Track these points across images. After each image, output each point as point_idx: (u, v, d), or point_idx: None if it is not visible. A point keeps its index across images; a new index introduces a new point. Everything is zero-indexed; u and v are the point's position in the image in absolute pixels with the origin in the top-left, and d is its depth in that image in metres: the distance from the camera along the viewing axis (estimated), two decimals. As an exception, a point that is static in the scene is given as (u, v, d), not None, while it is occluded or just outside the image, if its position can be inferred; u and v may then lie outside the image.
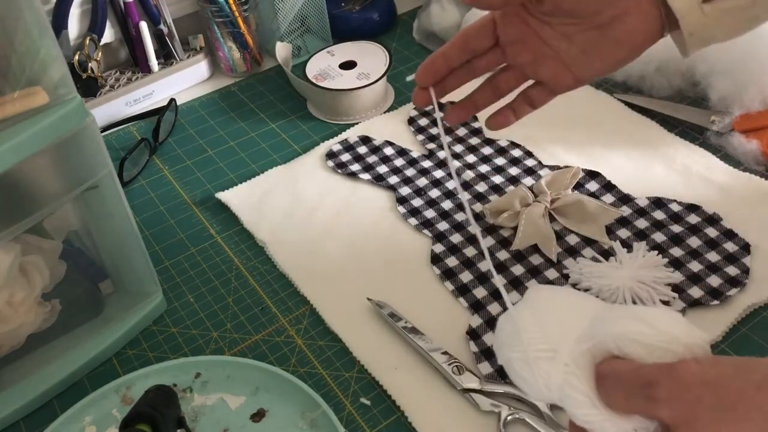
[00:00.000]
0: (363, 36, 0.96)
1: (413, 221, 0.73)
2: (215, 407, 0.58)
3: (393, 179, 0.77)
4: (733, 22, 0.48)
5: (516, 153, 0.79)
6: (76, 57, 0.87)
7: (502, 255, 0.68)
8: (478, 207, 0.73)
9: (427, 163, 0.79)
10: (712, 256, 0.65)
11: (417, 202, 0.75)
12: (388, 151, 0.81)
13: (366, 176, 0.78)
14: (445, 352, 0.59)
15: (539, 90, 0.56)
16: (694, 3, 0.46)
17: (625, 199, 0.72)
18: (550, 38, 0.52)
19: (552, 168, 0.76)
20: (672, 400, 0.33)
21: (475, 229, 0.53)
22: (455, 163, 0.78)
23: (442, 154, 0.80)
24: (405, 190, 0.76)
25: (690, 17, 0.47)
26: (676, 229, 0.68)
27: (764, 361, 0.33)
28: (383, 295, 0.65)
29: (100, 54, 0.90)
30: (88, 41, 0.88)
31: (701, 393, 0.32)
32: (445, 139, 0.56)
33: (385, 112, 0.88)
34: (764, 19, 0.49)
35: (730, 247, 0.66)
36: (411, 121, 0.85)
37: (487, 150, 0.80)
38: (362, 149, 0.81)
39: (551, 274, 0.65)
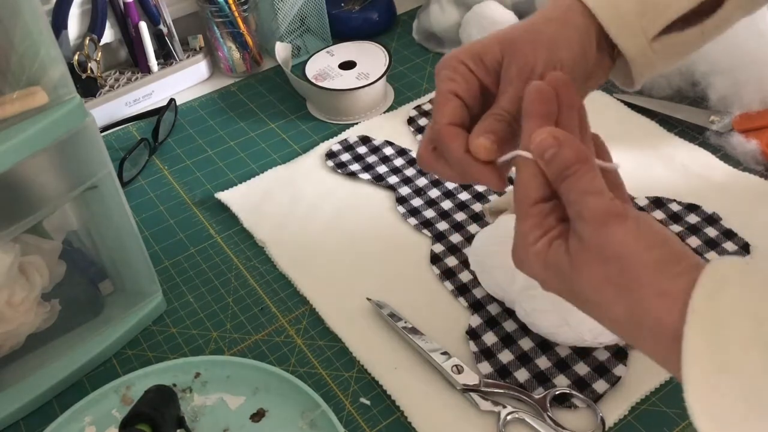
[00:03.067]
0: (363, 36, 0.96)
1: (413, 221, 0.73)
2: (215, 407, 0.58)
3: (393, 179, 0.77)
4: (676, 54, 0.49)
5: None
6: (76, 57, 0.87)
7: (502, 255, 0.68)
8: (477, 207, 0.73)
9: (426, 163, 0.79)
10: (712, 256, 0.65)
11: (417, 201, 0.75)
12: (388, 151, 0.81)
13: (366, 176, 0.78)
14: (445, 352, 0.59)
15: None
16: (644, 44, 0.47)
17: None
18: None
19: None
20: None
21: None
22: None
23: (441, 154, 0.80)
24: (405, 190, 0.76)
25: (639, 59, 0.47)
26: (676, 228, 0.68)
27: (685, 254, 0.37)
28: (383, 295, 0.65)
29: (99, 54, 0.90)
30: (87, 41, 0.88)
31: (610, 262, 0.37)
32: None
33: (384, 112, 0.88)
34: (701, 46, 0.50)
35: (729, 246, 0.66)
36: (411, 121, 0.85)
37: (486, 150, 0.80)
38: (362, 149, 0.81)
39: (551, 273, 0.65)
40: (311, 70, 0.89)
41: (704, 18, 0.47)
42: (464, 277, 0.66)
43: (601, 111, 0.84)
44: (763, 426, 0.33)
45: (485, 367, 0.59)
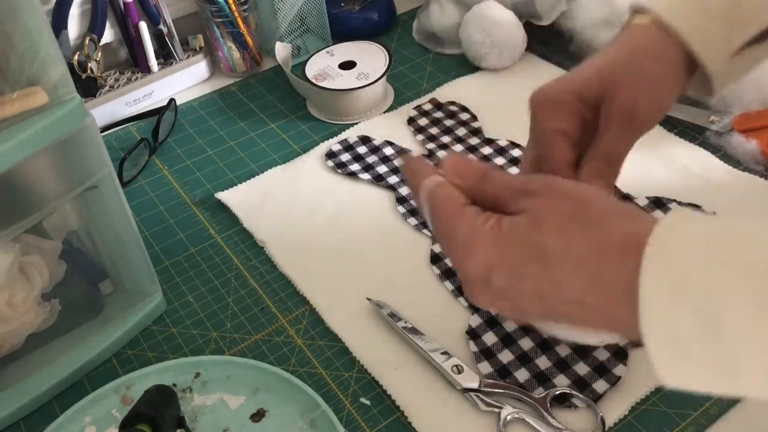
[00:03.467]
0: (363, 36, 0.96)
1: (413, 221, 0.73)
2: (215, 407, 0.58)
3: (393, 179, 0.77)
4: (754, 63, 0.50)
5: (516, 153, 0.79)
6: (76, 57, 0.87)
7: (502, 255, 0.68)
8: (477, 207, 0.73)
9: (426, 163, 0.79)
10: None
11: (417, 202, 0.74)
12: (388, 151, 0.81)
13: (366, 176, 0.78)
14: (445, 352, 0.59)
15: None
16: (726, 61, 0.47)
17: (624, 199, 0.72)
18: None
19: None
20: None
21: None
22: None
23: (441, 154, 0.80)
24: (405, 190, 0.76)
25: (721, 74, 0.48)
26: (676, 228, 0.68)
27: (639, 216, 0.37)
28: (383, 295, 0.65)
29: (99, 54, 0.90)
30: (87, 41, 0.88)
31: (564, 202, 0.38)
32: None
33: (384, 112, 0.88)
34: None
35: (729, 246, 0.66)
36: (411, 121, 0.85)
37: (486, 150, 0.80)
38: (362, 149, 0.81)
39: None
40: (311, 70, 0.89)
41: None
42: (464, 277, 0.66)
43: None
44: (716, 348, 0.33)
45: (485, 367, 0.59)
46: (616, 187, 0.73)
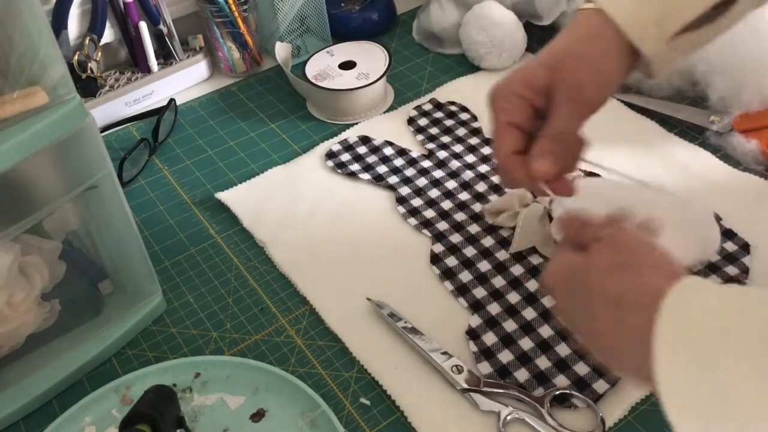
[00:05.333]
0: (363, 36, 0.96)
1: (413, 221, 0.73)
2: (215, 407, 0.58)
3: (393, 179, 0.77)
4: (692, 49, 0.53)
5: (515, 153, 0.79)
6: (76, 57, 0.87)
7: (502, 255, 0.68)
8: (477, 207, 0.73)
9: (426, 163, 0.79)
10: (712, 256, 0.65)
11: (416, 202, 0.75)
12: (388, 151, 0.81)
13: (366, 176, 0.78)
14: (445, 352, 0.59)
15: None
16: (662, 46, 0.50)
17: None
18: None
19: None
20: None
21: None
22: (455, 163, 0.78)
23: (441, 154, 0.80)
24: (405, 190, 0.76)
25: (658, 58, 0.51)
26: (676, 229, 0.68)
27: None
28: (383, 295, 0.65)
29: (99, 54, 0.90)
30: (87, 41, 0.88)
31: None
32: None
33: (384, 112, 0.88)
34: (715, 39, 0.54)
35: (729, 246, 0.66)
36: (410, 121, 0.85)
37: (486, 150, 0.80)
38: (362, 149, 0.81)
39: (551, 274, 0.65)
40: (311, 70, 0.89)
41: (718, 16, 0.50)
42: (464, 277, 0.66)
43: (601, 111, 0.83)
44: (731, 418, 0.34)
45: (485, 367, 0.59)
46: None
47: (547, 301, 0.63)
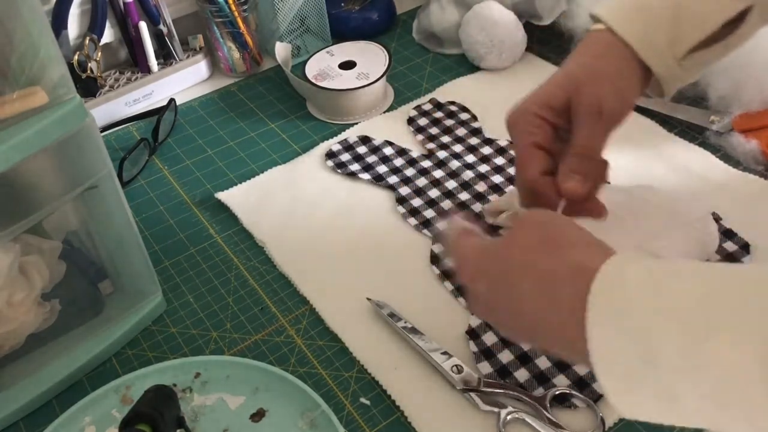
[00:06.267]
0: (362, 36, 0.96)
1: (413, 221, 0.73)
2: (215, 407, 0.58)
3: (393, 179, 0.77)
4: (703, 67, 0.54)
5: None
6: (76, 57, 0.87)
7: (502, 255, 0.68)
8: (477, 207, 0.73)
9: (426, 163, 0.79)
10: (712, 256, 0.65)
11: (417, 202, 0.75)
12: (388, 151, 0.81)
13: (366, 176, 0.78)
14: (445, 352, 0.59)
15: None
16: (674, 65, 0.52)
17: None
18: None
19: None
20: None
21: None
22: (455, 163, 0.78)
23: (441, 154, 0.80)
24: (405, 190, 0.76)
25: (670, 77, 0.52)
26: (676, 228, 0.68)
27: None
28: (383, 294, 0.65)
29: (99, 54, 0.90)
30: (87, 41, 0.88)
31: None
32: None
33: (384, 112, 0.88)
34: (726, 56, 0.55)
35: (729, 246, 0.66)
36: (410, 121, 0.85)
37: (486, 150, 0.80)
38: (362, 149, 0.81)
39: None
40: (311, 70, 0.89)
41: (728, 34, 0.52)
42: (464, 277, 0.66)
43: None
44: (654, 377, 0.35)
45: (485, 367, 0.59)
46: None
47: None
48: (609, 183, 0.55)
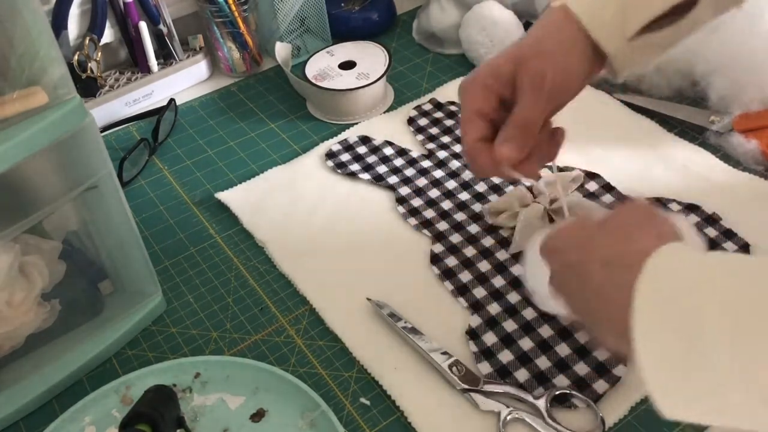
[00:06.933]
0: (362, 36, 0.96)
1: (413, 221, 0.73)
2: (215, 407, 0.58)
3: (393, 179, 0.77)
4: (654, 52, 0.55)
5: (515, 153, 0.79)
6: (76, 57, 0.87)
7: (502, 255, 0.68)
8: (477, 207, 0.73)
9: (426, 163, 0.79)
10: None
11: (416, 202, 0.75)
12: (388, 151, 0.81)
13: (366, 176, 0.78)
14: (445, 352, 0.59)
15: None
16: (623, 44, 0.52)
17: (624, 200, 0.72)
18: None
19: (551, 169, 0.76)
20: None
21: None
22: (455, 163, 0.78)
23: (441, 154, 0.80)
24: (405, 190, 0.76)
25: (620, 56, 0.53)
26: (676, 228, 0.68)
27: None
28: (383, 295, 0.65)
29: (99, 54, 0.90)
30: (87, 41, 0.88)
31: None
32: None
33: (384, 112, 0.88)
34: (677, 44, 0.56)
35: (729, 246, 0.66)
36: (410, 121, 0.85)
37: (486, 150, 0.80)
38: (362, 149, 0.81)
39: (551, 274, 0.65)
40: (311, 70, 0.89)
41: (678, 19, 0.52)
42: (464, 277, 0.66)
43: (602, 111, 0.84)
44: (700, 369, 0.35)
45: (485, 367, 0.59)
46: (614, 188, 0.73)
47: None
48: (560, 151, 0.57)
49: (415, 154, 0.80)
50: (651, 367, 0.37)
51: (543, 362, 0.59)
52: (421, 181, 0.77)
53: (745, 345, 0.34)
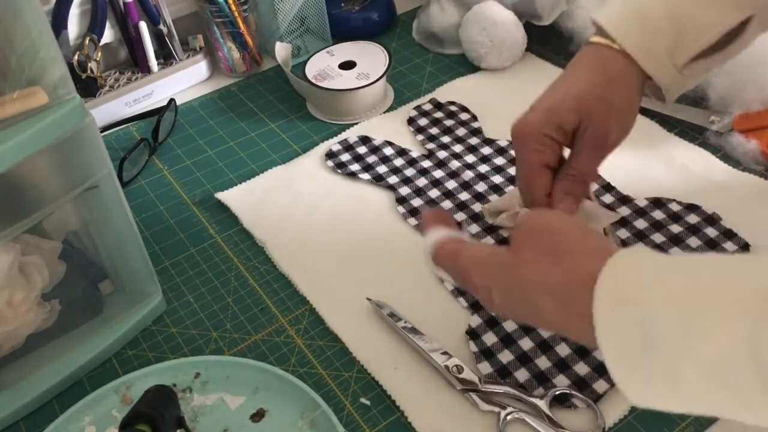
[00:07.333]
0: (362, 36, 0.96)
1: (413, 221, 0.73)
2: (215, 407, 0.58)
3: (393, 179, 0.77)
4: (703, 74, 0.56)
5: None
6: (76, 57, 0.87)
7: (502, 255, 0.68)
8: (477, 207, 0.73)
9: (426, 163, 0.79)
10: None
11: (417, 202, 0.75)
12: (388, 151, 0.81)
13: (366, 176, 0.78)
14: (445, 352, 0.59)
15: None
16: (675, 74, 0.54)
17: (624, 199, 0.72)
18: None
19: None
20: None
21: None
22: (455, 163, 0.78)
23: (441, 154, 0.80)
24: (405, 190, 0.76)
25: (671, 86, 0.55)
26: (676, 229, 0.68)
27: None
28: (383, 295, 0.65)
29: (99, 54, 0.90)
30: (87, 41, 0.88)
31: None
32: None
33: (384, 112, 0.88)
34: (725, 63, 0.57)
35: (729, 246, 0.66)
36: (410, 121, 0.85)
37: (486, 150, 0.80)
38: (362, 149, 0.81)
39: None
40: (311, 70, 0.89)
41: (727, 44, 0.53)
42: (464, 277, 0.66)
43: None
44: (656, 359, 0.37)
45: (485, 367, 0.59)
46: (614, 188, 0.73)
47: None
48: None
49: (415, 154, 0.80)
50: (615, 362, 0.39)
51: (543, 362, 0.59)
52: (421, 181, 0.77)
53: (688, 328, 0.36)
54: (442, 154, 0.80)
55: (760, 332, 0.33)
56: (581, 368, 0.58)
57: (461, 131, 0.83)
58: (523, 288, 0.43)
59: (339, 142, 0.82)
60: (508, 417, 0.55)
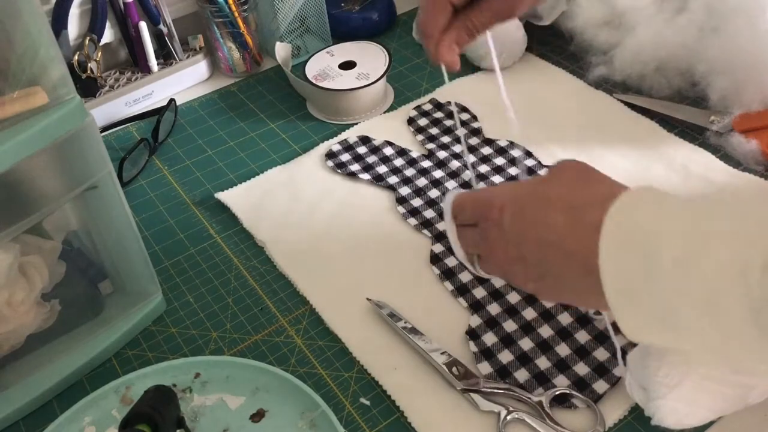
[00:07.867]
0: (363, 36, 0.96)
1: (413, 221, 0.73)
2: (215, 407, 0.58)
3: (393, 179, 0.77)
4: None
5: (515, 153, 0.79)
6: (76, 57, 0.87)
7: (502, 255, 0.68)
8: (477, 207, 0.73)
9: (426, 163, 0.79)
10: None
11: (416, 202, 0.75)
12: (388, 151, 0.81)
13: (365, 176, 0.78)
14: (445, 352, 0.59)
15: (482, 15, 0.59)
16: None
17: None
18: None
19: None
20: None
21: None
22: (455, 163, 0.78)
23: (441, 154, 0.80)
24: (405, 190, 0.76)
25: None
26: (676, 229, 0.68)
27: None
28: (383, 295, 0.65)
29: (99, 54, 0.90)
30: (87, 41, 0.88)
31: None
32: (462, 132, 0.64)
33: (384, 112, 0.88)
34: None
35: (729, 247, 0.66)
36: (410, 121, 0.85)
37: (486, 150, 0.80)
38: (362, 149, 0.81)
39: (551, 274, 0.65)
40: (311, 70, 0.89)
41: None
42: (464, 277, 0.66)
43: (602, 111, 0.84)
44: (655, 287, 0.38)
45: (485, 367, 0.59)
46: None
47: (547, 303, 0.63)
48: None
49: (415, 154, 0.80)
50: (614, 290, 0.39)
51: (543, 362, 0.59)
52: (421, 181, 0.77)
53: (687, 255, 0.37)
54: (442, 154, 0.80)
55: (750, 255, 0.34)
56: (581, 368, 0.58)
57: (461, 131, 0.83)
58: (541, 202, 0.45)
59: (339, 142, 0.82)
60: (508, 417, 0.55)
